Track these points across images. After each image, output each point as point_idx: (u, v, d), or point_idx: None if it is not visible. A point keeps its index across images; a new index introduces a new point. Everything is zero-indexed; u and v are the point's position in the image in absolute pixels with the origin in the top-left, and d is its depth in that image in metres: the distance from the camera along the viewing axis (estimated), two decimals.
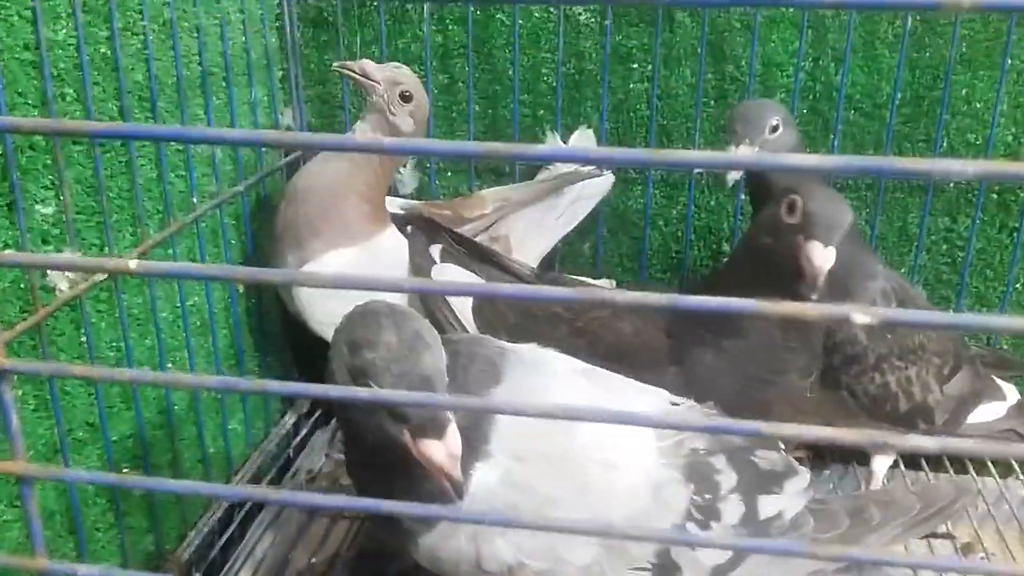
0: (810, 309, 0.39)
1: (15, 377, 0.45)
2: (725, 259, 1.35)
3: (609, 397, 0.82)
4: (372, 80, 1.12)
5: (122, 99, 0.95)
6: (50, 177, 0.87)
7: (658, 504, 0.78)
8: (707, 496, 0.79)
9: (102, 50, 0.93)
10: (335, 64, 1.15)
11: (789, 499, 0.84)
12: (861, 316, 0.39)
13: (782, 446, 0.88)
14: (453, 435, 0.65)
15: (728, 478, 0.81)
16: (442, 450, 0.65)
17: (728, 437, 0.82)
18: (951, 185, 1.28)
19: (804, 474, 0.85)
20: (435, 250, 1.20)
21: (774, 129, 1.05)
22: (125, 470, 1.02)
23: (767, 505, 0.82)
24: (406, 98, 1.13)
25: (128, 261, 0.43)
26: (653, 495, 0.78)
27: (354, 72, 1.13)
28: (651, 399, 0.84)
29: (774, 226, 0.90)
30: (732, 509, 0.81)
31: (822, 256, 0.85)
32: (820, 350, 1.00)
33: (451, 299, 1.07)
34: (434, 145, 0.37)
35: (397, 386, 0.66)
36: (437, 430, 0.65)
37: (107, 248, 0.95)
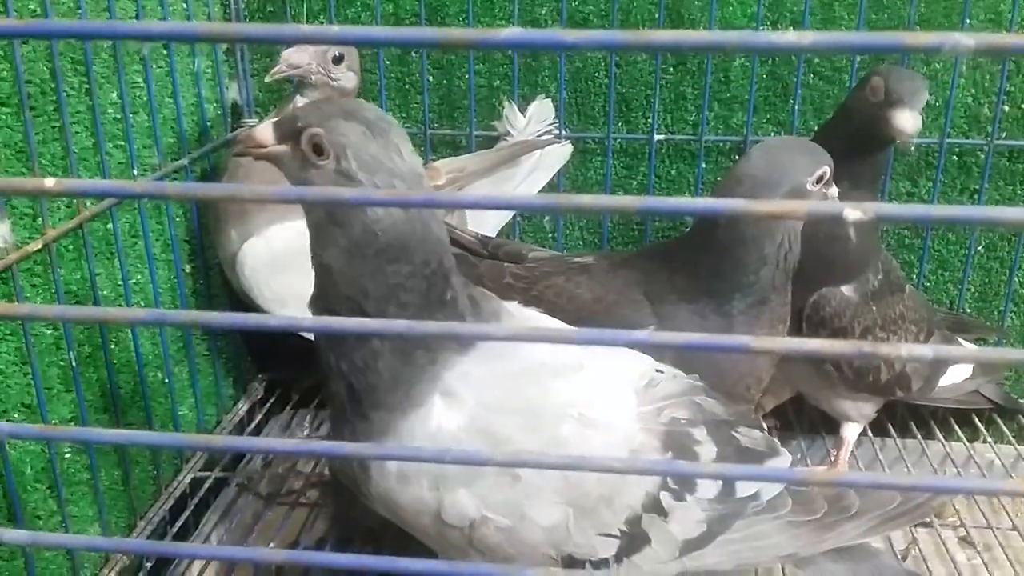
0: (800, 206, 0.35)
1: None
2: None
3: (594, 356, 0.78)
4: (302, 65, 1.09)
5: (54, 61, 0.90)
6: None
7: None
8: None
9: (31, 6, 0.88)
10: (267, 78, 1.11)
11: None
12: (853, 212, 0.36)
13: (765, 426, 0.85)
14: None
15: (707, 451, 0.77)
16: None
17: (710, 408, 0.79)
18: (912, 148, 1.26)
19: (785, 456, 0.82)
20: None
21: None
22: (67, 454, 0.96)
23: (745, 483, 0.79)
24: (338, 59, 1.11)
25: (45, 180, 0.39)
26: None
27: (284, 71, 1.09)
28: (635, 360, 0.81)
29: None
30: (708, 483, 0.77)
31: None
32: (788, 301, 0.98)
33: None
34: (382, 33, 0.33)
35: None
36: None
37: (40, 219, 0.89)
